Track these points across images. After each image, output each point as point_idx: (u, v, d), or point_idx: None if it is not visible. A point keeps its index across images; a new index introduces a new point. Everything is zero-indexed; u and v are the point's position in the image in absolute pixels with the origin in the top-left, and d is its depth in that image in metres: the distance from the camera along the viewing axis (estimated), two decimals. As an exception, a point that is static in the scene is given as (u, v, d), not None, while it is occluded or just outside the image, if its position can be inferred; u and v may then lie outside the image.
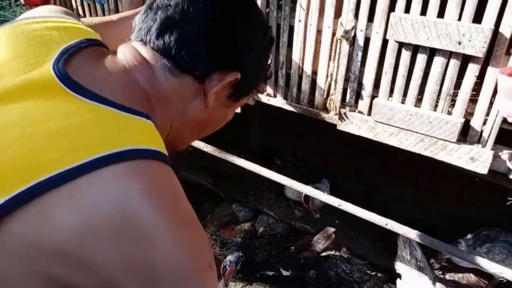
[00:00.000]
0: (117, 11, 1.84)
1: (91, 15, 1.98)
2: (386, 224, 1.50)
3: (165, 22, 0.67)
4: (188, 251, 0.55)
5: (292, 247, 2.22)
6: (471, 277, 1.97)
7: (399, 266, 1.61)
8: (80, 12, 2.03)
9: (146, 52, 0.68)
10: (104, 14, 1.92)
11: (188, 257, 0.55)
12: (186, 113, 0.73)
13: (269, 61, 0.84)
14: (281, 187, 2.36)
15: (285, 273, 2.06)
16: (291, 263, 2.13)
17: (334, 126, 1.49)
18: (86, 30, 0.73)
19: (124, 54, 0.68)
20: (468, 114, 1.23)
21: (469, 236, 1.84)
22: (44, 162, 0.50)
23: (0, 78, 0.59)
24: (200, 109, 0.73)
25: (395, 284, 1.82)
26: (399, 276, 1.61)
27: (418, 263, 1.55)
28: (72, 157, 0.51)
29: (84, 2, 1.98)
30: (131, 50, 0.69)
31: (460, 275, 1.97)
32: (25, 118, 0.54)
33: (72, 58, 0.63)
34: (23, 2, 2.17)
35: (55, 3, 2.10)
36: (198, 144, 1.87)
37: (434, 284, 1.52)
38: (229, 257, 1.97)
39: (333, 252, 2.13)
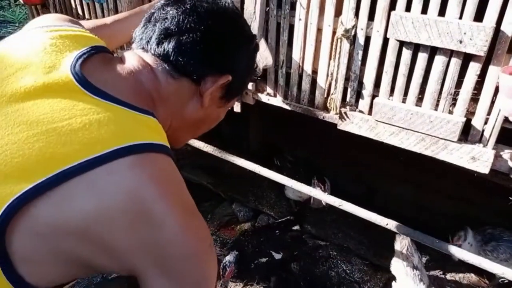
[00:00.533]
0: (116, 11, 1.84)
1: (90, 15, 1.98)
2: (387, 224, 1.49)
3: (163, 32, 0.76)
4: (192, 233, 0.63)
5: (277, 231, 2.25)
6: (472, 277, 1.96)
7: (395, 269, 1.61)
8: (80, 11, 2.02)
9: (148, 58, 0.77)
10: (103, 14, 1.91)
11: (192, 238, 0.63)
12: (184, 111, 0.81)
13: (255, 66, 0.94)
14: (281, 187, 2.35)
15: (277, 256, 2.08)
16: (280, 244, 2.15)
17: (334, 125, 1.48)
18: (93, 37, 0.82)
19: (130, 59, 0.77)
20: (470, 113, 1.23)
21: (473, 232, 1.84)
22: (67, 153, 0.58)
23: (21, 79, 0.66)
24: (197, 108, 0.82)
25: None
26: (394, 278, 1.60)
27: (414, 269, 1.55)
28: (92, 149, 0.59)
29: (83, 2, 1.97)
30: (136, 56, 0.78)
31: (461, 275, 1.97)
32: (48, 115, 0.62)
33: (85, 63, 0.71)
34: (22, 2, 2.16)
35: (53, 3, 2.09)
36: (198, 144, 1.86)
37: None
38: (228, 258, 1.96)
39: (333, 252, 2.12)
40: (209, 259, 0.66)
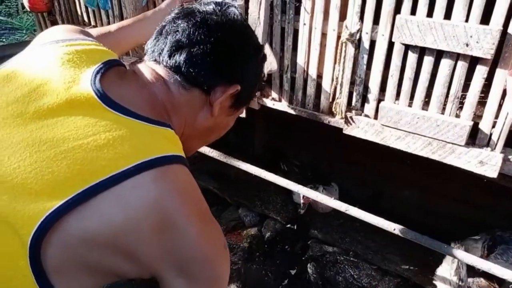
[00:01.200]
0: (121, 17, 1.85)
1: (96, 22, 1.99)
2: (394, 229, 1.48)
3: (175, 44, 0.79)
4: (207, 237, 0.68)
5: (287, 246, 2.23)
6: (482, 282, 1.93)
7: (438, 277, 1.60)
8: (85, 18, 2.03)
9: (160, 70, 0.80)
10: (108, 21, 1.92)
11: (207, 242, 0.68)
12: (195, 121, 0.84)
13: (263, 75, 0.92)
14: (288, 191, 2.34)
15: (292, 272, 2.07)
16: (295, 260, 2.14)
17: (340, 130, 1.47)
18: (107, 51, 0.85)
19: (143, 72, 0.80)
20: (477, 117, 1.21)
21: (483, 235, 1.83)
22: (94, 169, 0.61)
23: (42, 96, 0.69)
24: (207, 117, 0.85)
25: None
26: (435, 286, 1.60)
27: (459, 281, 1.53)
28: (117, 165, 0.62)
29: (89, 9, 1.98)
30: (149, 69, 0.81)
31: (470, 279, 1.94)
32: (73, 132, 0.65)
33: (103, 78, 0.73)
34: (29, 10, 2.18)
35: (60, 10, 2.11)
36: (204, 149, 1.86)
37: None
38: None
39: (341, 257, 2.11)
40: (222, 260, 0.71)
